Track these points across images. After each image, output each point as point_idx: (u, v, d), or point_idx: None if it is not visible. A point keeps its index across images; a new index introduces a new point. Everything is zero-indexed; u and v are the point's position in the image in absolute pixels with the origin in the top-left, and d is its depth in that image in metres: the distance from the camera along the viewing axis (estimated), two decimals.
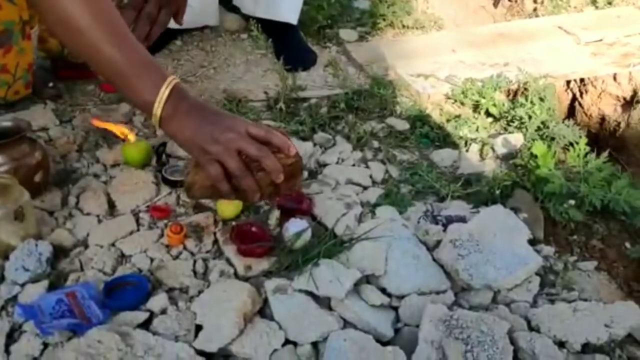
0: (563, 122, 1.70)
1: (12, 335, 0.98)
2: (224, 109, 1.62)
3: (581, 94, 2.03)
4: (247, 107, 1.65)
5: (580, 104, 2.04)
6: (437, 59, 1.98)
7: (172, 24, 1.86)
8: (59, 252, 1.14)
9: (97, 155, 1.42)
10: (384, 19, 2.21)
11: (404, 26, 2.20)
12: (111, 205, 1.28)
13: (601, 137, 2.06)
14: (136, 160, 1.36)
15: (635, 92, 2.09)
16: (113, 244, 1.17)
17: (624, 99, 2.10)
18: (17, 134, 1.21)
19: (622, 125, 2.12)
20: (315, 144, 1.54)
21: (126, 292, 1.05)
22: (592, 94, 2.09)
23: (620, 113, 2.13)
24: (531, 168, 1.39)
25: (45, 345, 0.96)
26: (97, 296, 1.03)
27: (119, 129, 1.36)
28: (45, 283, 1.05)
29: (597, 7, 2.46)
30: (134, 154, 1.36)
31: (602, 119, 2.11)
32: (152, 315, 1.02)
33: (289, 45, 1.92)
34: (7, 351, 0.96)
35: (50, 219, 1.22)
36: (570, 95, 2.05)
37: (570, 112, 2.04)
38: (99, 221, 1.23)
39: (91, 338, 0.92)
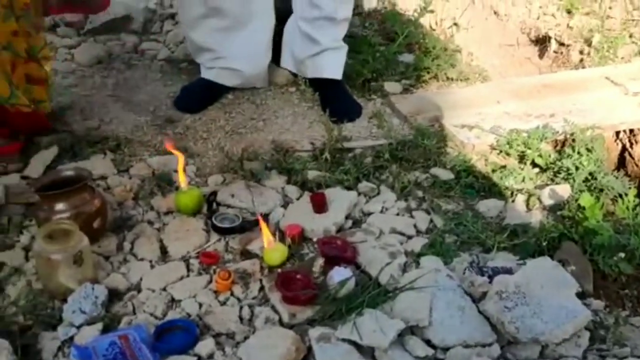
0: (612, 173, 1.68)
1: None
2: (272, 159, 1.69)
3: (631, 144, 2.00)
4: (293, 157, 1.70)
5: (630, 155, 2.00)
6: (482, 110, 2.00)
7: (226, 82, 1.97)
8: (114, 295, 1.19)
9: (152, 203, 1.49)
10: (428, 72, 2.25)
11: (448, 78, 2.24)
12: (163, 251, 1.34)
13: None
14: (188, 208, 1.42)
15: None
16: (164, 289, 1.22)
17: None
18: (78, 183, 1.29)
19: None
20: (359, 193, 1.56)
21: (175, 336, 1.09)
22: None
23: None
24: (579, 220, 1.38)
25: None
26: (148, 339, 1.07)
27: (181, 161, 1.43)
28: (99, 325, 1.09)
29: None
30: (186, 201, 1.42)
31: None
32: (199, 359, 1.05)
33: (335, 98, 1.99)
34: None
35: (106, 264, 1.28)
36: (620, 145, 2.02)
37: (621, 163, 2.01)
38: (152, 266, 1.29)
39: None
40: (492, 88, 2.18)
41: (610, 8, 2.83)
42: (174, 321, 1.12)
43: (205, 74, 2.06)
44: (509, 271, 1.25)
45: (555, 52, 2.81)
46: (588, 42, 2.68)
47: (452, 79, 2.24)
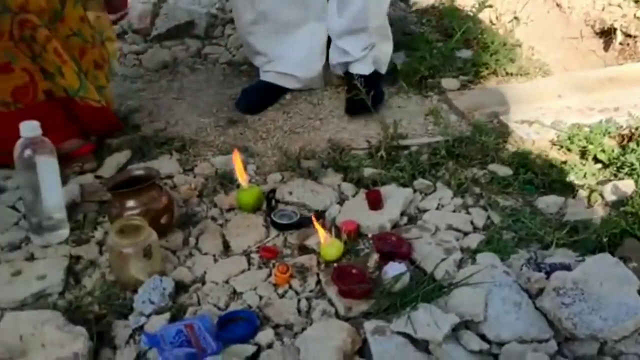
0: None
1: None
2: (328, 157, 1.72)
3: None
4: (350, 155, 1.73)
5: None
6: (542, 104, 1.97)
7: (283, 84, 2.02)
8: (180, 287, 1.26)
9: (215, 200, 1.56)
10: (487, 68, 2.23)
11: (507, 74, 2.21)
12: (226, 246, 1.40)
13: None
14: (249, 205, 1.48)
15: None
16: (227, 282, 1.28)
17: None
18: (148, 182, 1.37)
19: None
20: (415, 190, 1.58)
21: (237, 326, 1.14)
22: None
23: None
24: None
25: None
26: (212, 329, 1.13)
27: (241, 173, 1.49)
28: (167, 315, 1.16)
29: None
30: (247, 199, 1.48)
31: None
32: (259, 348, 1.10)
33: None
34: None
35: (173, 257, 1.36)
36: None
37: None
38: (215, 260, 1.35)
39: None
40: (553, 82, 2.13)
41: None
42: (235, 312, 1.18)
43: (264, 76, 2.12)
44: (567, 267, 1.24)
45: (621, 44, 2.71)
46: None
47: (511, 74, 2.21)
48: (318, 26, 2.03)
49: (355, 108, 1.92)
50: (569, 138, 1.76)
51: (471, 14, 2.51)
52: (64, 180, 1.51)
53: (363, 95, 1.79)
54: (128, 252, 1.21)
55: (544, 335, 1.11)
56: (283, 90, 2.12)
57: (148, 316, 1.17)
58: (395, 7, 2.96)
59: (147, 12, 2.63)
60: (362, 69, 1.99)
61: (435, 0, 3.00)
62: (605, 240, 1.32)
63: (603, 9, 2.87)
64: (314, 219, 1.33)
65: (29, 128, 1.30)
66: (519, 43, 2.42)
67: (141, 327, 1.16)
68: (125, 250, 1.21)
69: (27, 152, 1.31)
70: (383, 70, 2.06)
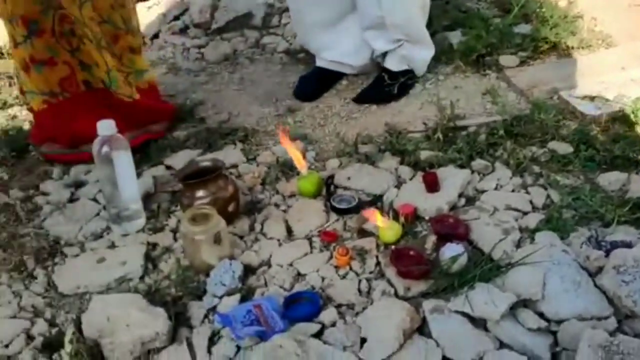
0: None
1: (213, 339, 1.19)
2: (385, 141, 1.76)
3: None
4: (406, 139, 1.75)
5: None
6: (605, 78, 1.91)
7: (341, 69, 2.06)
8: (248, 270, 1.34)
9: (277, 187, 1.63)
10: (547, 42, 2.18)
11: (568, 47, 2.15)
12: (289, 230, 1.47)
13: None
14: (309, 191, 1.54)
15: None
16: (291, 264, 1.35)
17: None
18: (215, 172, 1.46)
19: None
20: (473, 171, 1.59)
21: (302, 306, 1.21)
22: None
23: None
24: None
25: (238, 348, 1.15)
26: (278, 308, 1.20)
27: (296, 157, 1.55)
28: (237, 296, 1.25)
29: None
30: (307, 186, 1.54)
31: None
32: (323, 327, 1.17)
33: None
34: (209, 352, 1.17)
35: (240, 242, 1.44)
36: None
37: None
38: (280, 244, 1.43)
39: (274, 344, 1.09)
40: (617, 54, 2.07)
41: None
42: (300, 293, 1.25)
43: (319, 62, 2.17)
44: (628, 245, 1.23)
45: None
46: None
47: (572, 48, 2.15)
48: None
49: (363, 97, 2.00)
50: (633, 112, 1.71)
51: None
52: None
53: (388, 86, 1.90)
54: (200, 238, 1.30)
55: (604, 312, 1.12)
56: (339, 76, 2.17)
57: (220, 297, 1.26)
58: None
59: (207, 6, 2.72)
60: (390, 64, 2.02)
61: None
62: None
63: None
64: (369, 211, 1.37)
65: (105, 127, 1.41)
66: (581, 14, 2.34)
67: (214, 308, 1.25)
68: (197, 237, 1.30)
69: (105, 148, 1.42)
70: (419, 72, 2.06)
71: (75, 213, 1.58)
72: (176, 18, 2.75)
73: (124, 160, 1.45)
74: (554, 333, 1.12)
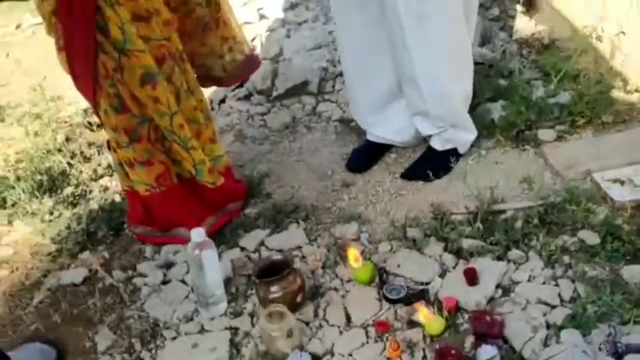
0: None
1: None
2: (431, 226, 1.98)
3: None
4: (450, 223, 1.98)
5: None
6: (635, 158, 2.07)
7: (389, 142, 2.27)
8: (315, 358, 1.61)
9: (336, 271, 1.90)
10: (583, 116, 2.34)
11: (603, 123, 2.31)
12: (347, 317, 1.74)
13: None
14: (364, 280, 1.80)
15: None
16: (350, 354, 1.61)
17: None
18: (286, 266, 1.74)
19: None
20: (509, 261, 1.81)
21: None
22: None
23: None
24: None
25: None
26: None
27: (352, 255, 1.81)
28: None
29: None
30: (362, 275, 1.80)
31: None
32: None
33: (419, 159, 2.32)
34: None
35: (306, 329, 1.72)
36: None
37: None
38: (340, 332, 1.69)
39: None
40: None
41: None
42: None
43: (369, 137, 2.41)
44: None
45: None
46: None
47: (607, 123, 2.31)
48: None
49: (410, 174, 2.23)
50: None
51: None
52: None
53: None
54: (276, 335, 1.58)
55: None
56: (388, 147, 2.41)
57: None
58: (496, 37, 3.11)
59: (268, 72, 2.99)
60: (435, 143, 2.25)
61: (536, 30, 3.10)
62: None
63: None
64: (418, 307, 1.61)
65: (198, 234, 1.71)
66: (618, 83, 2.47)
67: None
68: (273, 333, 1.58)
69: (196, 252, 1.72)
70: (462, 150, 2.27)
71: (169, 295, 1.89)
72: (240, 85, 3.03)
73: (211, 257, 1.75)
74: None
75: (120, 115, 1.86)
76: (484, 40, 3.12)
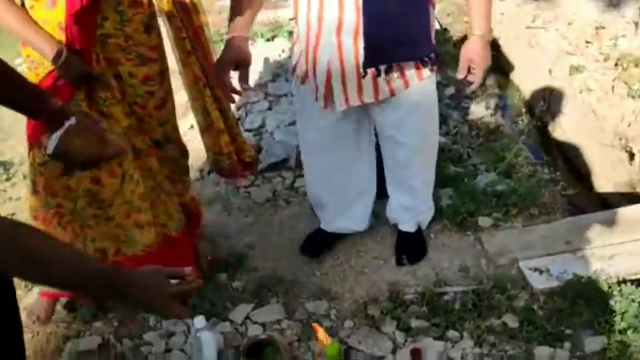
0: None
1: None
2: (387, 307, 2.44)
3: None
4: (402, 302, 2.43)
5: None
6: (553, 250, 2.57)
7: (345, 230, 2.68)
8: None
9: (309, 344, 2.34)
10: (515, 206, 2.83)
11: (531, 215, 2.80)
12: None
13: None
14: (332, 356, 2.24)
15: None
16: None
17: None
18: (270, 344, 2.17)
19: None
20: (447, 340, 2.27)
21: None
22: None
23: None
24: None
25: None
26: None
27: (322, 334, 2.24)
28: None
29: None
30: (330, 352, 2.24)
31: None
32: None
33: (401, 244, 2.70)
34: None
35: None
36: None
37: None
38: None
39: None
40: (567, 226, 2.71)
41: None
42: None
43: (325, 227, 2.77)
44: None
45: None
46: None
47: (535, 215, 2.80)
48: (368, 197, 2.67)
49: (402, 260, 2.63)
50: (567, 290, 2.36)
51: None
52: None
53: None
54: None
55: None
56: (336, 236, 2.77)
57: None
58: (450, 118, 3.59)
59: (252, 145, 3.41)
60: (408, 227, 2.68)
61: (486, 113, 3.59)
62: None
63: (629, 125, 3.35)
64: None
65: (199, 321, 2.13)
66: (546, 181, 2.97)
67: None
68: None
69: (197, 334, 2.14)
70: (424, 226, 2.72)
71: None
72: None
73: (208, 337, 2.17)
74: None
75: None
76: (440, 122, 3.59)
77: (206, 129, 2.38)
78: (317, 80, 2.18)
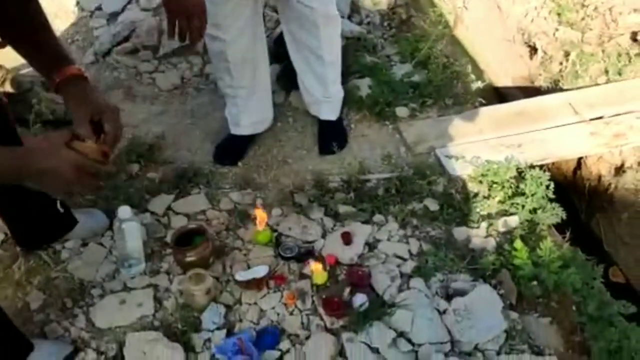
0: (552, 204, 2.39)
1: None
2: (314, 194, 2.43)
3: (578, 169, 2.70)
4: (328, 190, 2.43)
5: (577, 179, 2.72)
6: (467, 139, 2.69)
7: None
8: (228, 309, 2.02)
9: (238, 233, 2.28)
10: (431, 97, 2.89)
11: (445, 105, 2.88)
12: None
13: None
14: (263, 243, 2.21)
15: (623, 163, 2.75)
16: (255, 303, 2.04)
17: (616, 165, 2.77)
18: (199, 232, 2.08)
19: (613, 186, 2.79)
20: (374, 224, 2.33)
21: (267, 337, 1.93)
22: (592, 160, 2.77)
23: (612, 175, 2.80)
24: (512, 256, 2.14)
25: None
26: (252, 340, 1.91)
27: (261, 223, 2.19)
28: (224, 331, 1.94)
29: (608, 79, 3.04)
30: (262, 239, 2.21)
31: (599, 179, 2.79)
32: (282, 353, 1.90)
33: (323, 133, 2.70)
34: None
35: (217, 284, 2.10)
36: (571, 171, 2.72)
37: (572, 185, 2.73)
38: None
39: None
40: (478, 116, 2.83)
41: (592, 19, 3.33)
42: (266, 328, 1.96)
43: (235, 130, 2.65)
44: (463, 293, 2.05)
45: (542, 57, 3.38)
46: (567, 55, 3.25)
47: (449, 105, 2.88)
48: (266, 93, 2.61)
49: (326, 150, 2.62)
50: (482, 174, 2.51)
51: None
52: None
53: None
54: (197, 293, 1.95)
55: (444, 339, 1.94)
56: (249, 139, 2.67)
57: (212, 331, 1.94)
58: (362, 7, 3.50)
59: (153, 28, 3.10)
60: (330, 115, 2.64)
61: (396, 5, 3.55)
62: (490, 272, 2.12)
63: (532, 21, 3.49)
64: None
65: (123, 211, 1.97)
66: (461, 70, 3.05)
67: (209, 339, 1.93)
68: (195, 293, 1.95)
69: (122, 225, 1.99)
70: (338, 110, 2.71)
71: (89, 257, 2.14)
72: (126, 39, 3.11)
73: (132, 227, 2.03)
74: (416, 352, 1.93)
75: None
76: (352, 10, 3.50)
77: None
78: None
